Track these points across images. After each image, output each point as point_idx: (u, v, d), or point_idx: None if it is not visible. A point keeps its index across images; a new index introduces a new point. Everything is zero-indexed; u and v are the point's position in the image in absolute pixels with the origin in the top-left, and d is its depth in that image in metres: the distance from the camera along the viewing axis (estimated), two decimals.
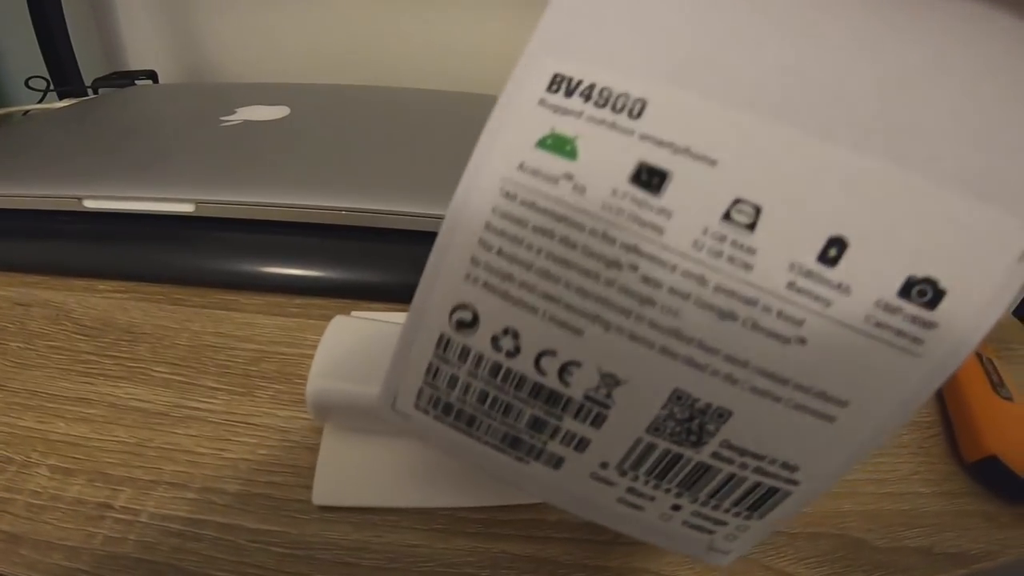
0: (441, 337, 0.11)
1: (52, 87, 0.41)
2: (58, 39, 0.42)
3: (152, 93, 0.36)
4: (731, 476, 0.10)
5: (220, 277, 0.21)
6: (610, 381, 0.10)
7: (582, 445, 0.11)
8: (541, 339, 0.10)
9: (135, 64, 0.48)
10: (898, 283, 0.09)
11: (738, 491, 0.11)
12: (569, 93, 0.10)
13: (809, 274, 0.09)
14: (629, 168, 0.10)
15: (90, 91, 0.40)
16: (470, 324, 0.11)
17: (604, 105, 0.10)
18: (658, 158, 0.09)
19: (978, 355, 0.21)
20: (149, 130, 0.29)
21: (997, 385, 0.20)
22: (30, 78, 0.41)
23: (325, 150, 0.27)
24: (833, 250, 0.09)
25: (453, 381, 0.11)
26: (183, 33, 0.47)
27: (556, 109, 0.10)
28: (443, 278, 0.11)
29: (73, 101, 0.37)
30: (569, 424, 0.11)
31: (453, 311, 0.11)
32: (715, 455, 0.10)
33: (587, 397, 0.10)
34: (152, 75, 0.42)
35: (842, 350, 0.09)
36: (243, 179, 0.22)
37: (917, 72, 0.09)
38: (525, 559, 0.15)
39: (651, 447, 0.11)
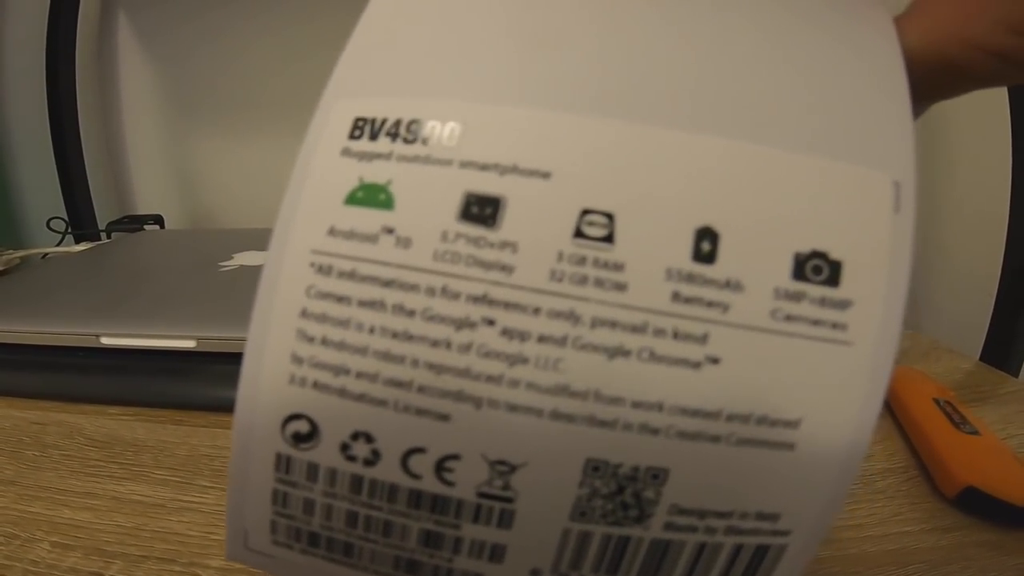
0: (279, 457, 0.08)
1: (70, 229, 0.44)
2: (77, 182, 0.44)
3: (159, 239, 0.39)
4: (701, 547, 0.08)
5: (217, 402, 0.23)
6: (503, 469, 0.07)
7: (497, 554, 0.08)
8: (401, 437, 0.07)
9: (143, 205, 0.50)
10: (787, 264, 0.07)
11: (719, 563, 0.08)
12: (374, 135, 0.08)
13: (691, 278, 0.07)
14: (455, 203, 0.07)
15: (103, 234, 0.42)
16: (309, 436, 0.08)
17: (415, 140, 0.08)
18: (485, 184, 0.07)
19: (935, 400, 0.20)
20: (157, 274, 0.32)
21: (959, 423, 0.19)
22: (51, 219, 0.42)
23: None
24: (706, 244, 0.07)
25: (309, 506, 0.08)
26: (186, 179, 0.49)
27: (363, 156, 0.08)
28: (264, 386, 0.08)
29: (89, 245, 0.40)
30: (471, 531, 0.08)
31: (285, 423, 0.08)
32: (669, 526, 0.07)
33: (482, 495, 0.07)
34: (159, 219, 0.43)
35: (764, 360, 0.07)
36: (237, 318, 0.24)
37: (730, 48, 0.08)
38: None
39: (586, 537, 0.08)
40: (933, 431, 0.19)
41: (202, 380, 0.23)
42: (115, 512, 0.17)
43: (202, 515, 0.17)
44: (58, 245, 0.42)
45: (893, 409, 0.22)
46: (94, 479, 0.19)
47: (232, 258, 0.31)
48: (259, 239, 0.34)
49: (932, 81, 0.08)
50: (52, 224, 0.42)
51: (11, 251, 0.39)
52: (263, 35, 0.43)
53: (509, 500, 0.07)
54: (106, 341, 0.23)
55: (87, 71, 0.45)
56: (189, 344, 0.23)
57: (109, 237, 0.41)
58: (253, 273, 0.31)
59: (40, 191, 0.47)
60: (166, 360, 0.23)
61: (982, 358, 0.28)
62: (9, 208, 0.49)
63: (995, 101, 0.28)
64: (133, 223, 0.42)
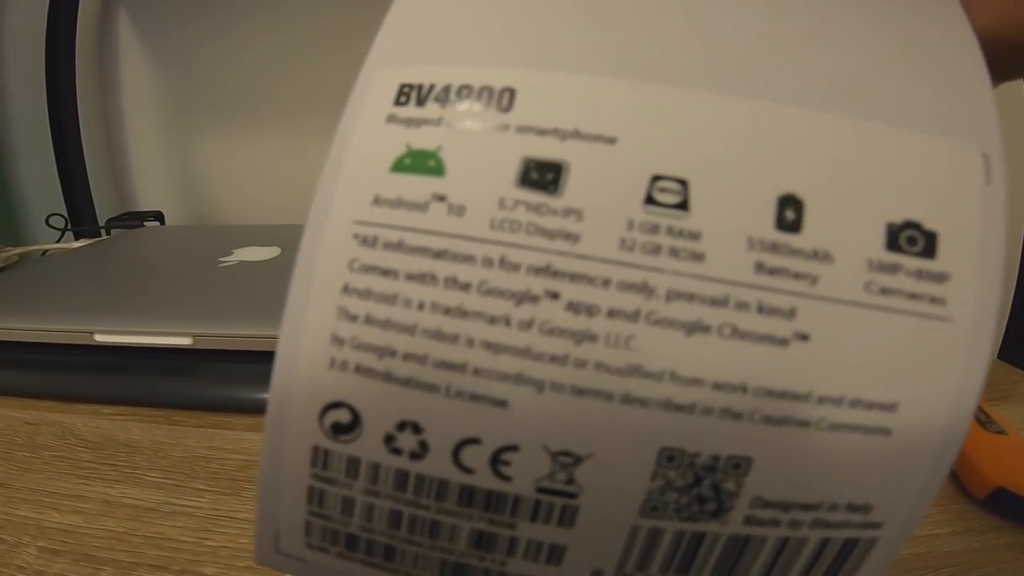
0: (316, 450, 0.07)
1: (69, 226, 0.42)
2: (77, 179, 0.43)
3: (159, 235, 0.38)
4: (784, 542, 0.07)
5: (215, 401, 0.22)
6: (567, 460, 0.07)
7: (556, 555, 0.07)
8: (452, 426, 0.06)
9: (144, 202, 0.48)
10: (880, 234, 0.06)
11: (802, 558, 0.07)
12: (421, 101, 0.07)
13: (775, 247, 0.06)
14: (513, 169, 0.07)
15: (103, 231, 0.41)
16: (350, 426, 0.07)
17: (466, 106, 0.07)
18: (545, 149, 0.07)
19: None
20: (155, 270, 0.31)
21: (985, 422, 0.18)
22: (50, 216, 0.41)
23: None
24: (790, 212, 0.06)
25: (349, 505, 0.07)
26: (187, 176, 0.47)
27: (409, 122, 0.07)
28: (301, 371, 0.07)
29: (88, 241, 0.39)
30: (528, 531, 0.07)
31: (323, 413, 0.07)
32: (750, 520, 0.07)
33: (542, 490, 0.07)
34: (159, 216, 0.42)
35: (859, 336, 0.06)
36: (235, 314, 0.23)
37: (805, 20, 0.07)
38: None
39: (656, 534, 0.07)
40: None
41: (199, 379, 0.22)
42: (105, 516, 0.16)
43: (196, 520, 0.16)
44: (58, 242, 0.41)
45: None
46: (85, 481, 0.18)
47: (232, 254, 0.30)
48: (260, 235, 0.33)
49: (1000, 63, 0.08)
50: (51, 221, 0.41)
51: (9, 248, 0.38)
52: (264, 32, 0.42)
53: (572, 495, 0.07)
54: (100, 338, 0.22)
55: (87, 67, 0.44)
56: (185, 341, 0.21)
57: (109, 234, 0.40)
58: (253, 269, 0.29)
59: (40, 188, 0.46)
60: (162, 358, 0.22)
61: (1000, 356, 0.27)
62: (9, 205, 0.48)
63: (1013, 98, 0.28)
64: (133, 219, 0.41)
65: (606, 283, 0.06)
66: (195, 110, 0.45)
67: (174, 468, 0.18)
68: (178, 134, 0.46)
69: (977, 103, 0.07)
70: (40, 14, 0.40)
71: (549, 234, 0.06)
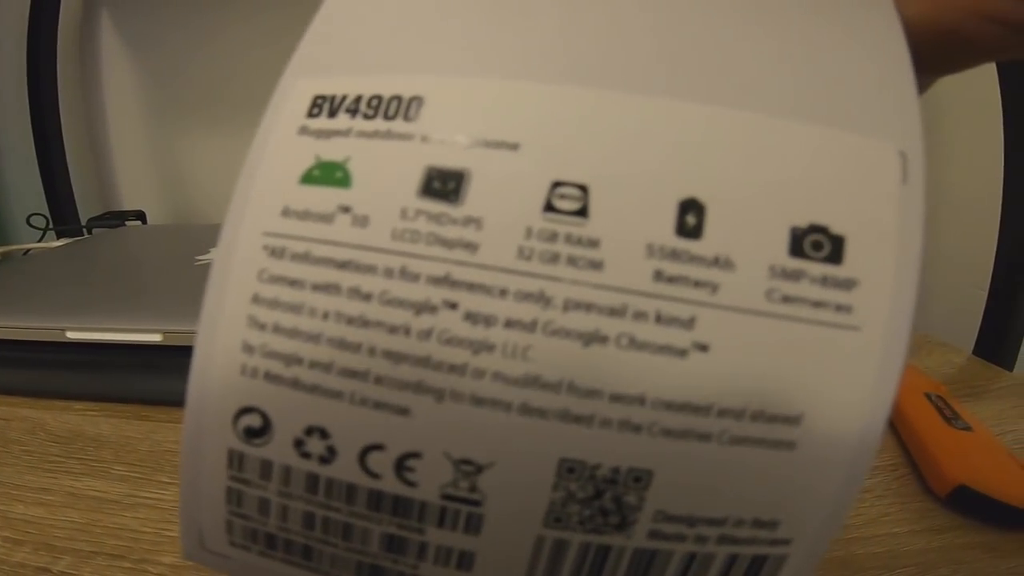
0: (231, 454, 0.07)
1: (51, 225, 0.43)
2: (59, 179, 0.43)
3: (139, 234, 0.38)
4: (691, 557, 0.07)
5: (184, 397, 0.21)
6: (469, 469, 0.06)
7: (466, 561, 0.07)
8: (358, 432, 0.07)
9: (127, 202, 0.49)
10: (783, 239, 0.06)
11: (711, 575, 0.07)
12: (333, 113, 0.07)
13: (674, 254, 0.06)
14: (416, 179, 0.07)
15: (85, 230, 0.41)
16: (262, 431, 0.07)
17: (375, 116, 0.07)
18: (448, 158, 0.06)
19: (927, 395, 0.19)
20: (131, 269, 0.31)
21: (951, 419, 0.18)
22: (31, 215, 0.41)
23: None
24: (691, 217, 0.06)
25: (264, 505, 0.07)
26: (169, 175, 0.48)
27: (320, 134, 0.07)
28: (215, 377, 0.07)
29: (69, 240, 0.39)
30: (436, 536, 0.07)
31: (237, 417, 0.07)
32: (655, 535, 0.06)
33: (446, 496, 0.07)
34: (141, 215, 0.42)
35: (760, 347, 0.06)
36: None
37: (712, 14, 0.07)
38: None
39: (561, 546, 0.07)
40: (924, 427, 0.17)
41: (168, 374, 0.22)
42: (69, 508, 0.17)
43: (158, 511, 0.17)
44: (39, 241, 0.41)
45: None
46: (51, 475, 0.18)
47: (209, 252, 0.30)
48: None
49: (935, 53, 0.08)
50: (32, 220, 0.41)
51: None
52: (247, 33, 0.42)
53: (476, 503, 0.07)
54: (72, 335, 0.22)
55: (69, 67, 0.44)
56: (155, 338, 0.22)
57: (90, 233, 0.40)
58: None
59: (22, 188, 0.46)
60: (133, 354, 0.22)
61: (975, 352, 0.26)
62: None
63: (988, 93, 0.27)
64: (114, 219, 0.41)
65: (503, 293, 0.06)
66: (177, 110, 0.45)
67: (140, 462, 0.19)
68: (160, 134, 0.46)
69: (896, 99, 0.07)
70: (21, 14, 0.40)
71: (449, 244, 0.06)
